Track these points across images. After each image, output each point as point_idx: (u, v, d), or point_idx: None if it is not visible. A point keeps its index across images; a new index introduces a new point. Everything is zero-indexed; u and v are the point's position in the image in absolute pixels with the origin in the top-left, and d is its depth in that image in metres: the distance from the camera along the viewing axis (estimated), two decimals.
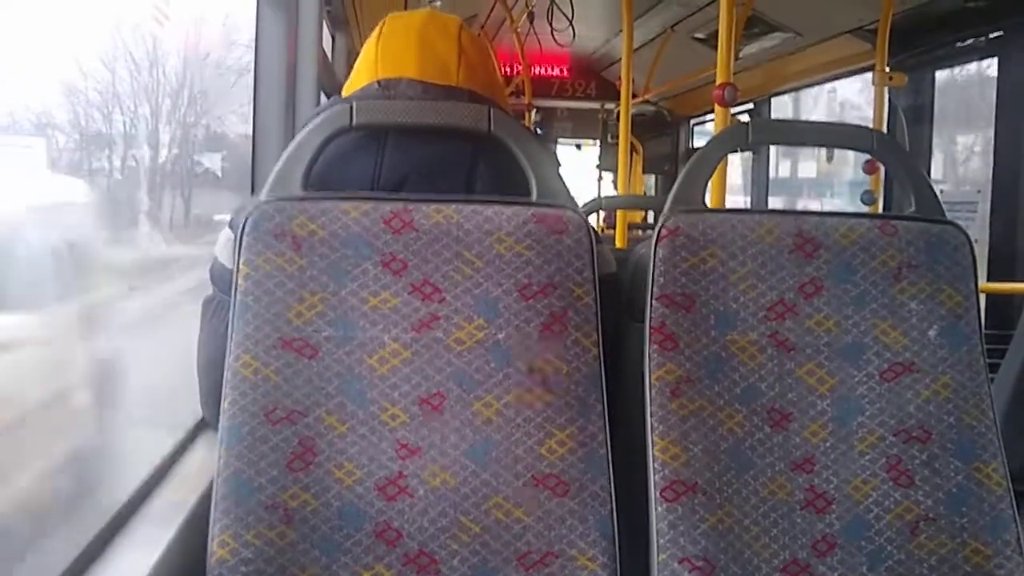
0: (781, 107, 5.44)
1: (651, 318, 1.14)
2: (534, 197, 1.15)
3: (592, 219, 3.34)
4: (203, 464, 1.23)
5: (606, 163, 6.88)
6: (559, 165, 1.21)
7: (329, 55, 2.86)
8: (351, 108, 1.13)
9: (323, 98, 2.06)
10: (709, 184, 1.24)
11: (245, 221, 1.08)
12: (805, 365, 1.15)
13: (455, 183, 1.21)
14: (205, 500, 1.07)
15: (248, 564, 1.01)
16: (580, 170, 7.03)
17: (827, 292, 1.16)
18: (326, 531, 1.04)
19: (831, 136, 1.35)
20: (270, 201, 1.09)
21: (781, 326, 1.15)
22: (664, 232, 1.15)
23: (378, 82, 1.27)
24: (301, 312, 1.07)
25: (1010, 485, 1.15)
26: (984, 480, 1.14)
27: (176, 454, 1.29)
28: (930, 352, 1.16)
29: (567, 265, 1.11)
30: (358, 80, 1.31)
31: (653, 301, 1.14)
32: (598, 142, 7.31)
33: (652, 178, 7.63)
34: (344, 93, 1.32)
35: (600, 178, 7.11)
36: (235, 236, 1.09)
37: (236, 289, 1.07)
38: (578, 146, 7.72)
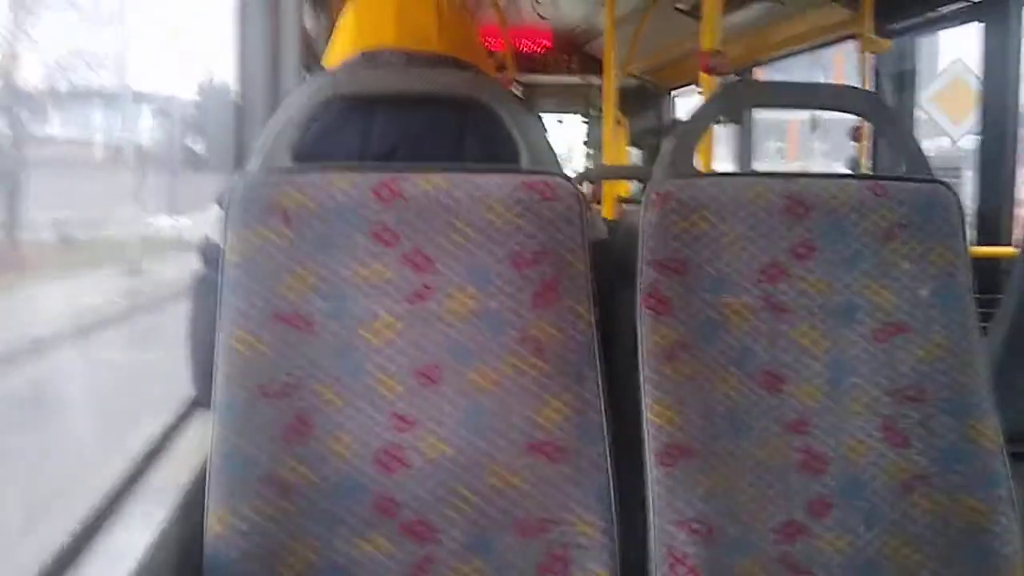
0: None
1: (643, 283, 1.14)
2: (524, 164, 1.14)
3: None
4: (197, 441, 1.23)
5: (592, 139, 6.85)
6: (546, 131, 1.20)
7: (311, 32, 2.83)
8: (335, 80, 1.12)
9: (307, 76, 2.04)
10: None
11: (232, 195, 1.07)
12: (798, 327, 1.15)
13: (445, 152, 1.20)
14: (200, 477, 1.06)
15: (246, 538, 1.01)
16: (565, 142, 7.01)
17: (819, 253, 1.16)
18: (324, 504, 1.04)
19: (822, 98, 1.35)
20: (256, 174, 1.08)
21: (774, 288, 1.15)
22: (654, 197, 1.15)
23: (361, 53, 1.26)
24: (293, 285, 1.06)
25: (1002, 442, 1.15)
26: (977, 438, 1.14)
27: (170, 432, 1.28)
28: (922, 311, 1.17)
29: (558, 232, 1.10)
30: (337, 50, 1.29)
31: (645, 266, 1.14)
32: (582, 116, 7.28)
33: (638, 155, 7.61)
34: (325, 64, 1.31)
35: (588, 155, 7.08)
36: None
37: (226, 263, 1.06)
38: (560, 120, 7.71)
